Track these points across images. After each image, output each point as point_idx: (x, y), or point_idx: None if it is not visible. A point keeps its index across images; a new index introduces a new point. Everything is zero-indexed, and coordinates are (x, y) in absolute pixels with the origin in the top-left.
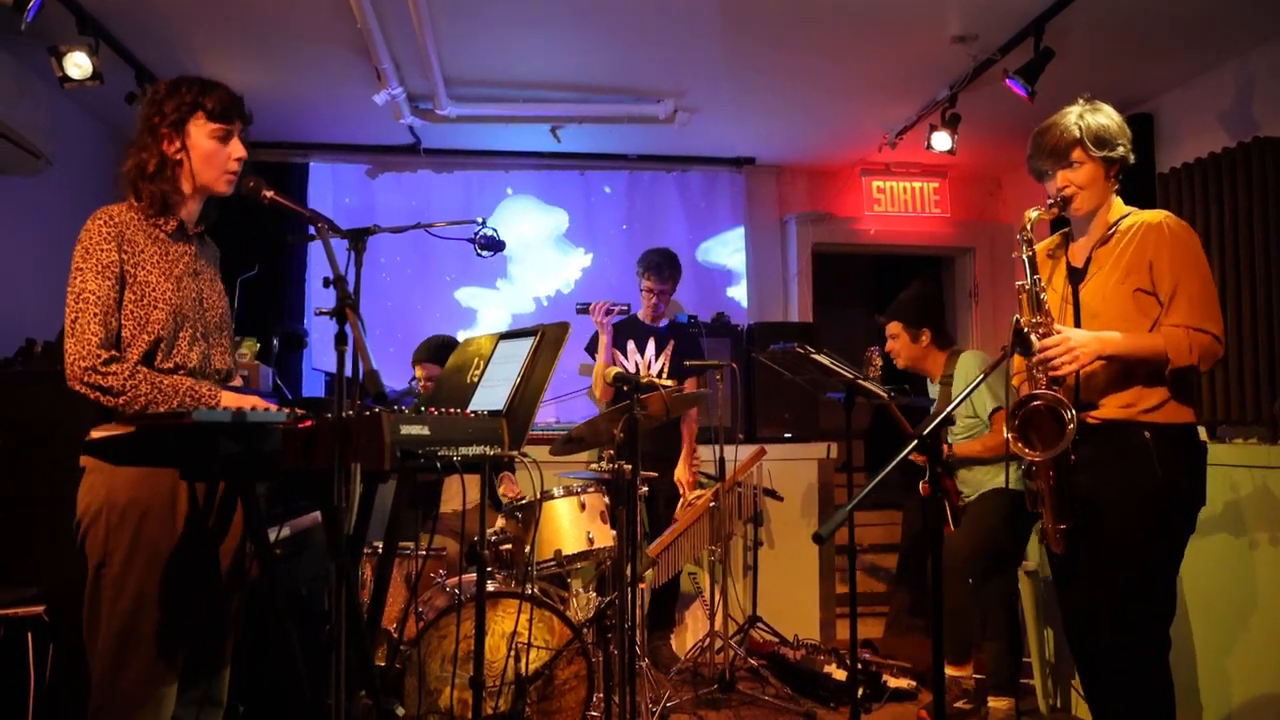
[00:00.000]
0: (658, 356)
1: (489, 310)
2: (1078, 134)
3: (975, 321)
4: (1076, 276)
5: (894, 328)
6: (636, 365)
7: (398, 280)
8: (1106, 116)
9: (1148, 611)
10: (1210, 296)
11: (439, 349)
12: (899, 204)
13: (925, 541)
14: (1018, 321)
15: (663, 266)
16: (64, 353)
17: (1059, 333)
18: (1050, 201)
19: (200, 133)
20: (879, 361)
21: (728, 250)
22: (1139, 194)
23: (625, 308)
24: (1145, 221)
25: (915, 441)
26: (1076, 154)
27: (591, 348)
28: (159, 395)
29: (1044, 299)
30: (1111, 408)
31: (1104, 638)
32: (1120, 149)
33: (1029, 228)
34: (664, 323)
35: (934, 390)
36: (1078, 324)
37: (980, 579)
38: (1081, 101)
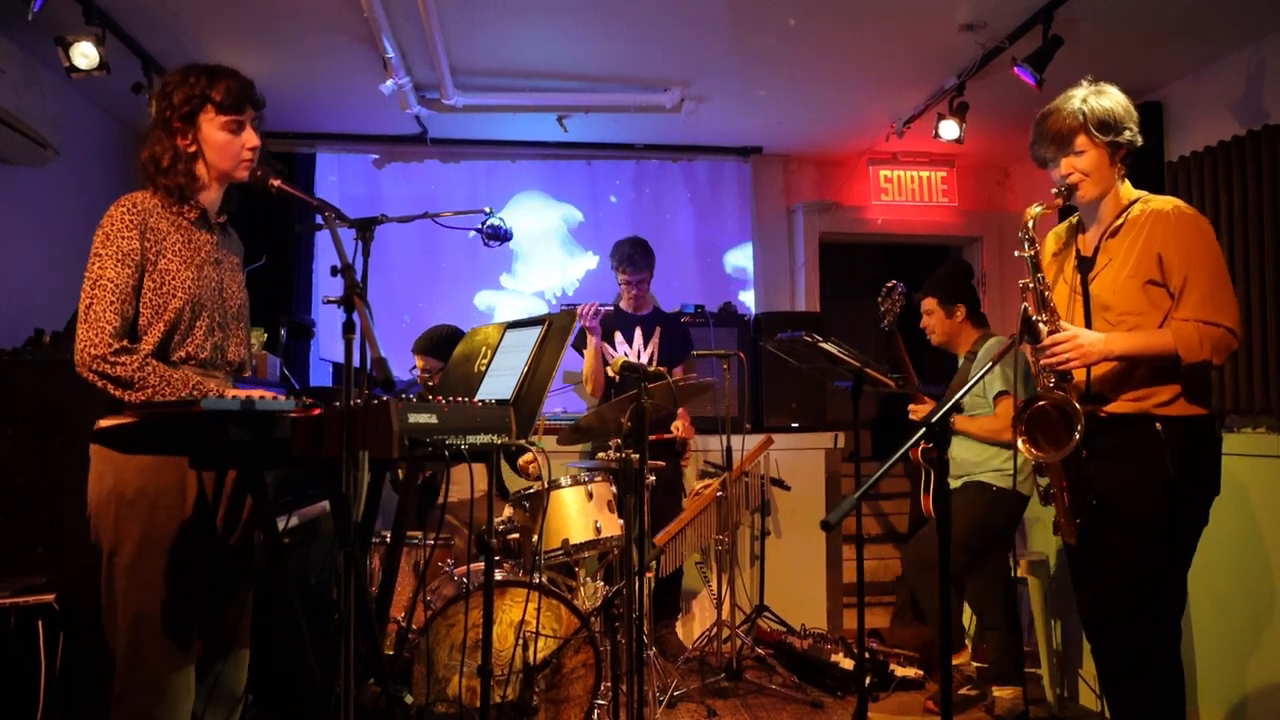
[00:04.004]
0: (646, 345)
1: (501, 310)
2: (1081, 119)
3: (984, 310)
4: (1086, 266)
5: (929, 303)
6: (626, 355)
7: (404, 271)
8: (1112, 100)
9: (1159, 602)
10: (1222, 287)
11: (440, 342)
12: (906, 193)
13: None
14: (1026, 310)
15: (635, 257)
16: (75, 338)
17: (1066, 329)
18: (1055, 190)
19: (211, 125)
20: (899, 296)
21: (746, 257)
22: (1148, 182)
23: (610, 309)
24: (1155, 210)
25: (923, 430)
26: (1080, 140)
27: (579, 344)
28: (167, 389)
29: (1048, 297)
30: (1123, 401)
31: (1116, 627)
32: (1126, 133)
33: (1031, 225)
34: (646, 310)
35: (960, 364)
36: (1087, 316)
37: (961, 572)
38: (1086, 84)
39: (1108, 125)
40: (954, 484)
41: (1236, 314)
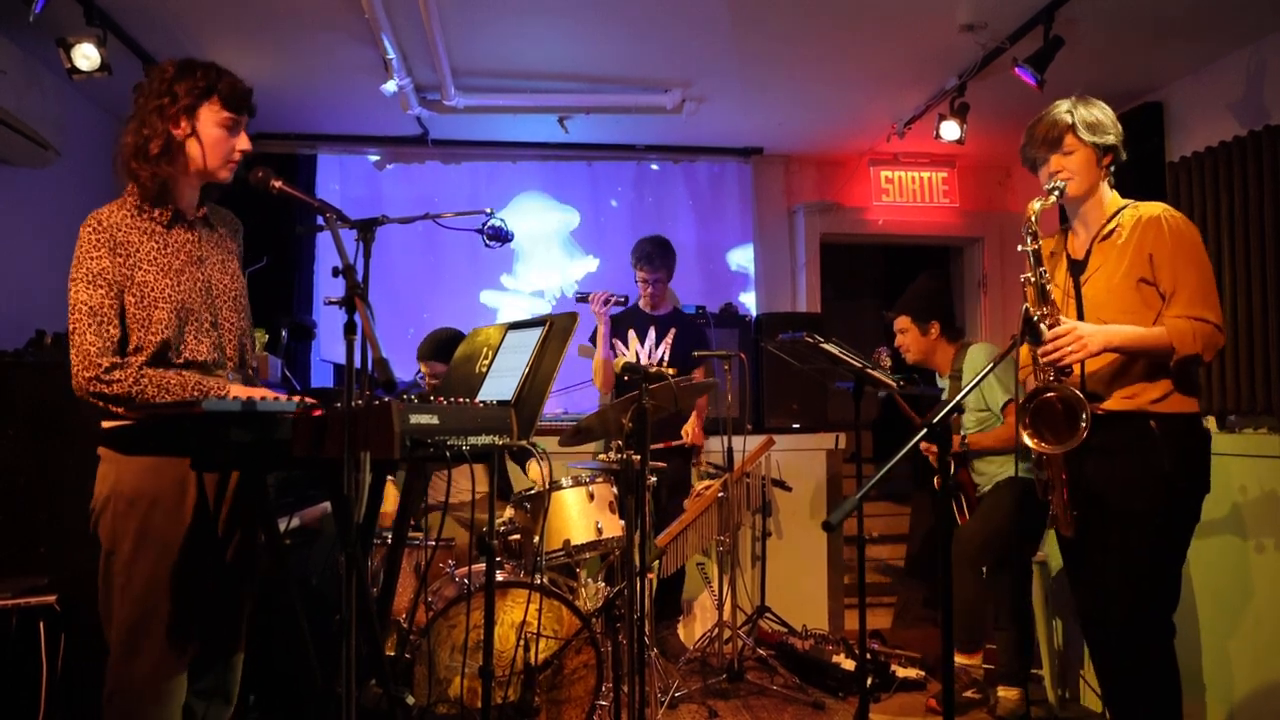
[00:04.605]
0: (658, 344)
1: (503, 310)
2: (1070, 120)
3: (984, 311)
4: (1077, 269)
5: (903, 322)
6: (637, 354)
7: (406, 272)
8: (1099, 109)
9: (1156, 599)
10: (1209, 287)
11: (443, 345)
12: (907, 194)
13: (936, 534)
14: (1028, 310)
15: (653, 256)
16: (70, 366)
17: (1065, 322)
18: (1047, 186)
19: (211, 119)
20: (888, 362)
21: (747, 257)
22: (1149, 183)
23: (623, 299)
24: (1144, 215)
25: (924, 430)
26: (1069, 140)
27: (594, 339)
28: (166, 396)
29: (1050, 290)
30: (1117, 399)
31: (1112, 623)
32: (1111, 137)
33: (1033, 220)
34: (664, 310)
35: (943, 383)
36: (1080, 316)
37: (994, 568)
38: (1073, 98)
39: (1094, 127)
40: (985, 489)
41: (1220, 313)
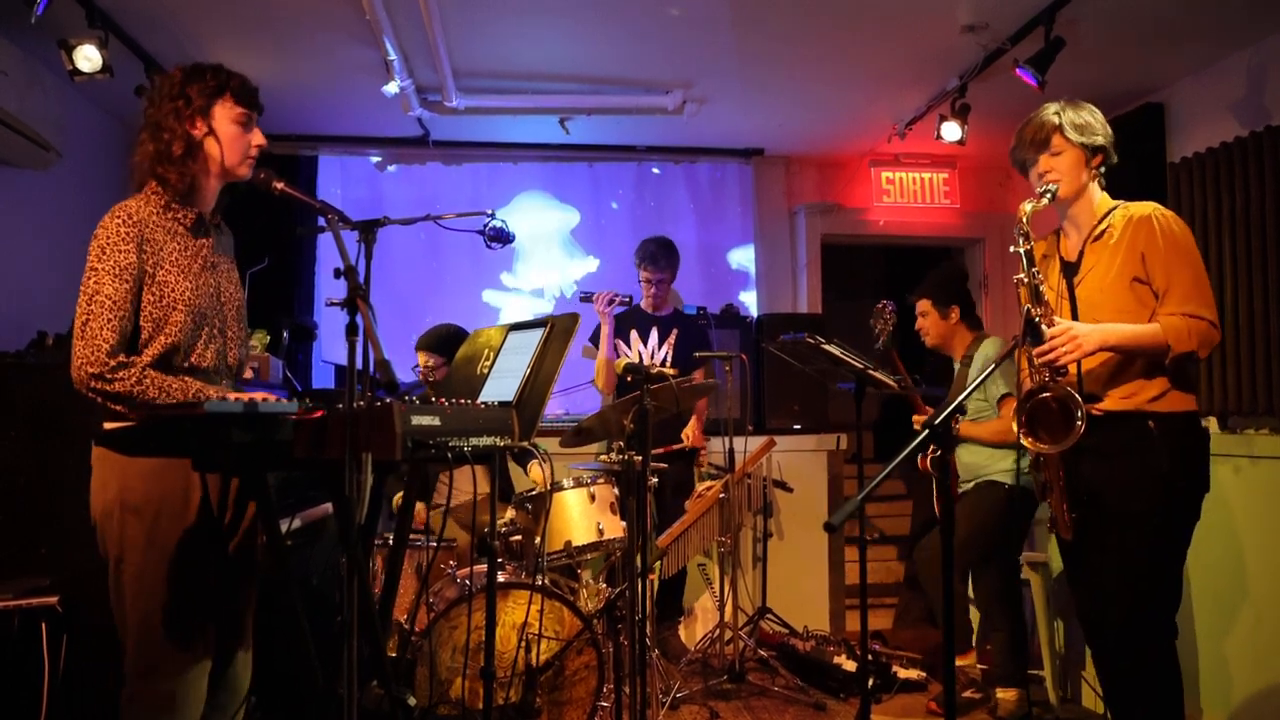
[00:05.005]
0: (660, 345)
1: (504, 309)
2: (1057, 121)
3: (985, 312)
4: (1070, 271)
5: (924, 305)
6: (640, 355)
7: (407, 273)
8: (1088, 111)
9: (1155, 599)
10: (1202, 284)
11: (444, 339)
12: (908, 195)
13: (930, 526)
14: (1029, 312)
15: (658, 256)
16: (72, 353)
17: (1060, 323)
18: (1039, 188)
19: (226, 116)
20: (890, 315)
21: (747, 258)
22: (1150, 183)
23: (627, 299)
24: (1135, 215)
25: (925, 432)
26: (1056, 141)
27: (596, 339)
28: (167, 399)
29: (1043, 291)
30: (1114, 399)
31: (1111, 625)
32: (1099, 138)
33: (1025, 221)
34: (666, 311)
35: (957, 367)
36: (1075, 317)
37: (976, 569)
38: (1062, 100)
39: (1082, 128)
40: (965, 486)
41: (1215, 310)
